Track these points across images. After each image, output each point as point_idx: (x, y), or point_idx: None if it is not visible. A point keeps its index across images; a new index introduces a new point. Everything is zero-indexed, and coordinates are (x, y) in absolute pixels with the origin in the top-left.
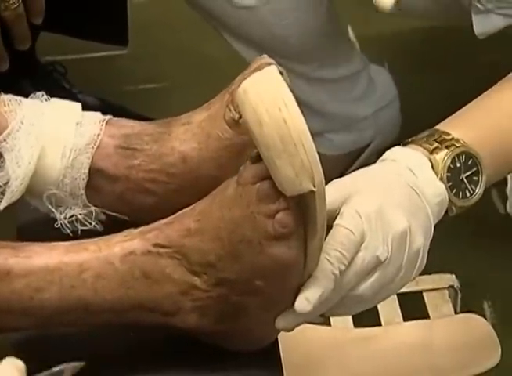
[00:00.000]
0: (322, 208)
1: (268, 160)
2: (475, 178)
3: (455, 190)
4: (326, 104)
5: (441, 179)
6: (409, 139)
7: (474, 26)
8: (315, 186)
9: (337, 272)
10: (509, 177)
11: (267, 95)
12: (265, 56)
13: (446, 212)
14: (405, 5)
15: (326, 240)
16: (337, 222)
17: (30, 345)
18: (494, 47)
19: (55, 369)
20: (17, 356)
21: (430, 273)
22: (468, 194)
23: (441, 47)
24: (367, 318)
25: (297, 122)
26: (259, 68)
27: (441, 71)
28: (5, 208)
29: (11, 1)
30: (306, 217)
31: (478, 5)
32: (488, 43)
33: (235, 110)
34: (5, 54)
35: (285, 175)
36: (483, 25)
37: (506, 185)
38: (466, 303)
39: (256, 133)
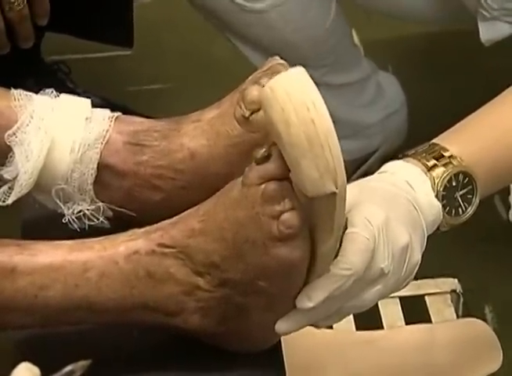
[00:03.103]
0: (341, 210)
1: (291, 160)
2: (469, 196)
3: (448, 208)
4: (334, 110)
5: (436, 197)
6: (408, 153)
7: (481, 33)
8: (337, 188)
9: (351, 280)
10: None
11: (295, 94)
12: (277, 57)
13: (437, 228)
14: (411, 10)
15: (343, 246)
16: (351, 230)
17: (33, 344)
18: (500, 51)
19: (66, 369)
20: (21, 354)
21: (432, 277)
22: (460, 212)
23: (446, 52)
24: (369, 321)
25: (325, 123)
26: (271, 69)
27: (445, 76)
28: (10, 206)
29: (15, 3)
30: (321, 219)
31: (484, 12)
32: (494, 48)
33: (245, 108)
34: (7, 43)
35: (309, 175)
36: (489, 32)
37: (509, 193)
38: (467, 307)
39: (282, 132)
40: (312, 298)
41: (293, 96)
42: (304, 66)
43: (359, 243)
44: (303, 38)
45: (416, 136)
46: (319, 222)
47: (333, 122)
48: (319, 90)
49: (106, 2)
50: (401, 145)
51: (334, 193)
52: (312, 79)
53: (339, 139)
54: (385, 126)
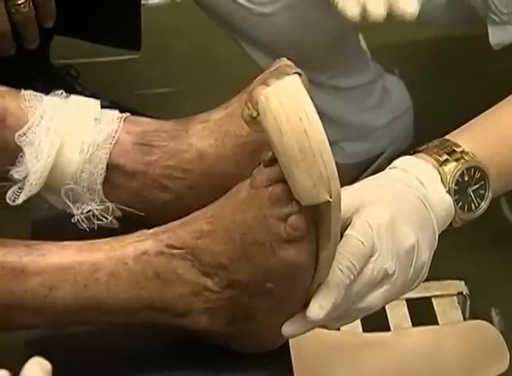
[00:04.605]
0: (336, 219)
1: (286, 169)
2: (482, 191)
3: (461, 203)
4: (341, 113)
5: (448, 192)
6: (420, 148)
7: (490, 37)
8: (331, 197)
9: (347, 281)
10: None
11: (289, 104)
12: (284, 58)
13: (450, 224)
14: (420, 13)
15: (337, 248)
16: (348, 232)
17: (43, 343)
18: (505, 56)
19: None
20: (30, 353)
21: (439, 280)
22: (473, 207)
23: (452, 56)
24: (376, 323)
25: (317, 133)
26: (278, 70)
27: (452, 80)
28: (20, 207)
29: (22, 5)
30: (320, 226)
31: (494, 16)
32: (501, 52)
33: (253, 108)
34: (13, 45)
35: (302, 184)
36: (499, 36)
37: None
38: (474, 310)
39: (276, 141)
40: (324, 307)
41: (286, 106)
42: (311, 69)
43: (351, 246)
44: (310, 42)
45: (422, 139)
46: (318, 227)
47: (340, 125)
48: (327, 93)
49: (114, 6)
50: (407, 148)
51: (329, 202)
52: (320, 82)
53: (345, 142)
54: (391, 129)
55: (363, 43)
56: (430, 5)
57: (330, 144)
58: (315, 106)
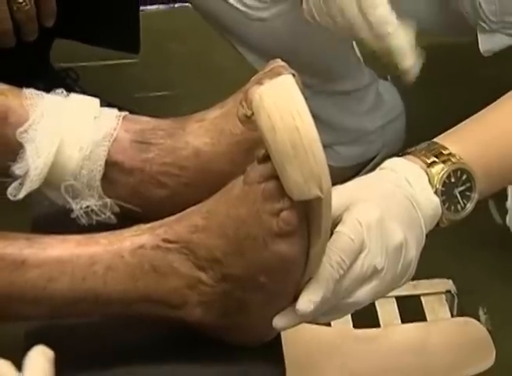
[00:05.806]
0: (327, 215)
1: (278, 165)
2: (468, 193)
3: (447, 204)
4: (335, 117)
5: (435, 192)
6: (408, 150)
7: (480, 44)
8: (322, 193)
9: (337, 276)
10: (509, 191)
11: (282, 102)
12: (278, 59)
13: (437, 224)
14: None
15: (328, 244)
16: (338, 229)
17: (41, 336)
18: (495, 61)
19: None
20: (30, 345)
21: (428, 278)
22: (460, 208)
23: (443, 62)
24: (366, 320)
25: (309, 131)
26: (272, 71)
27: (443, 86)
28: (21, 202)
29: (23, 3)
30: (311, 222)
31: (484, 24)
32: (493, 58)
33: (248, 107)
34: (14, 40)
35: (294, 180)
36: (488, 43)
37: (506, 199)
38: (462, 308)
39: (269, 139)
40: (313, 300)
41: (279, 104)
42: (305, 73)
43: (341, 243)
44: (305, 47)
45: (413, 143)
46: (309, 223)
47: (334, 129)
48: (321, 97)
49: (114, 10)
50: (399, 152)
51: (320, 198)
52: (314, 86)
53: (339, 145)
54: (384, 133)
55: (357, 49)
56: (423, 13)
57: (324, 147)
58: (309, 106)
